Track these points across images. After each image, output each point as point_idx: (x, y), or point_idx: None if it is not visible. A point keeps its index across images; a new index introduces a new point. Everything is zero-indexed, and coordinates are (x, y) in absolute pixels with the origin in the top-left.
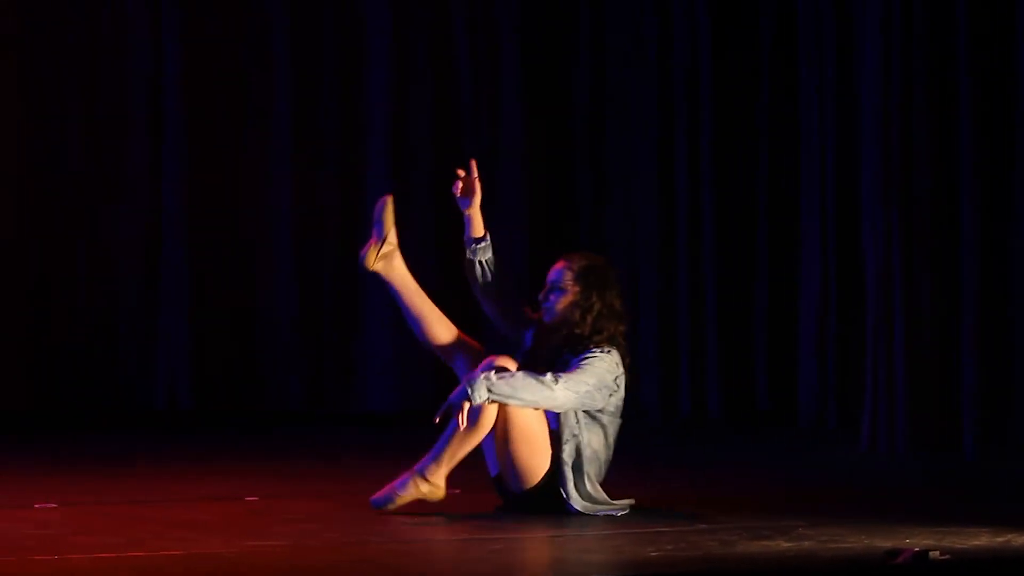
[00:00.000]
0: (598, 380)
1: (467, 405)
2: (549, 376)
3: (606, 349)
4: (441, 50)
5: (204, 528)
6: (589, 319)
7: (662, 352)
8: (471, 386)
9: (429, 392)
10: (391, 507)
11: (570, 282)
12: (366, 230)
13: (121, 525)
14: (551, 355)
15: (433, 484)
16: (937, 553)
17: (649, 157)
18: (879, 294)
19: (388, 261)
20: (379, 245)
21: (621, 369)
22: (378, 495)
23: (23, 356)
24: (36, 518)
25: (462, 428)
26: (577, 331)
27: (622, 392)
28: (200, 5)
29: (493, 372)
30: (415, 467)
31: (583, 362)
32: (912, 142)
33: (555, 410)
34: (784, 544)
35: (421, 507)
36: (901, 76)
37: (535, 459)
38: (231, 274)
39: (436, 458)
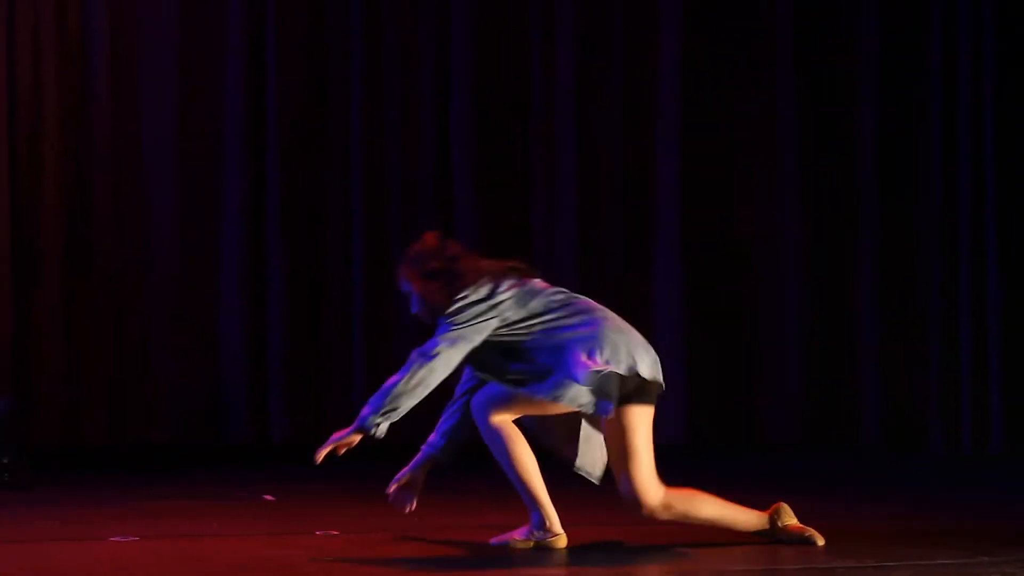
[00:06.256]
0: (464, 319)
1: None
2: (414, 356)
3: (466, 292)
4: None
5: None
6: (443, 296)
7: (944, 382)
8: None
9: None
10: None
11: (410, 283)
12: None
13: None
14: None
15: (548, 531)
16: None
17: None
18: None
19: None
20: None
21: (488, 289)
22: (498, 538)
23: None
24: (313, 544)
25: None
26: (447, 311)
27: (507, 307)
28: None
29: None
30: (531, 520)
31: (446, 319)
32: None
33: (450, 368)
34: None
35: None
36: None
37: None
38: None
39: (534, 508)
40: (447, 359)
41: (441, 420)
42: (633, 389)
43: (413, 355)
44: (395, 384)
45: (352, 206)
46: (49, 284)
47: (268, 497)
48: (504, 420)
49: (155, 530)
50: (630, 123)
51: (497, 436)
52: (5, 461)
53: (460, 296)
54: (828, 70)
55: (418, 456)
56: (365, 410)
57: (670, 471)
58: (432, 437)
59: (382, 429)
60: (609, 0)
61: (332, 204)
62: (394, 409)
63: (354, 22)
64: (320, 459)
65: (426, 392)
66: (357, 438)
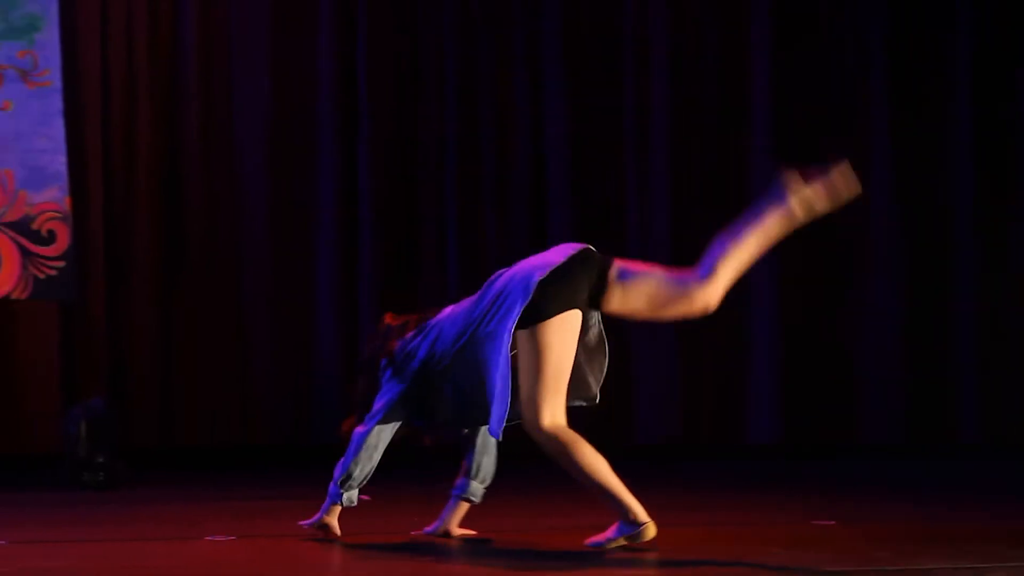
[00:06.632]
0: (388, 377)
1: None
2: (356, 431)
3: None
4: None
5: (575, 556)
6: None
7: None
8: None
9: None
10: (603, 548)
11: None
12: None
13: (495, 553)
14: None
15: (635, 523)
16: None
17: None
18: None
19: None
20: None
21: (400, 345)
22: (592, 540)
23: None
24: (409, 545)
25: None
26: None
27: (418, 343)
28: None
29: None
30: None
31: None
32: None
33: (394, 418)
34: None
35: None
36: None
37: None
38: None
39: (616, 506)
40: (387, 413)
41: (463, 461)
42: (587, 286)
43: (355, 431)
44: (348, 457)
45: (446, 209)
46: (143, 286)
47: (364, 497)
48: (557, 426)
49: (250, 529)
50: (724, 122)
51: (556, 444)
52: (100, 461)
53: (382, 369)
54: (922, 77)
55: (448, 503)
56: (331, 487)
57: (766, 472)
58: (458, 480)
59: (350, 497)
60: (702, 11)
61: (426, 207)
62: (349, 476)
63: (447, 25)
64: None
65: (382, 449)
66: (335, 516)
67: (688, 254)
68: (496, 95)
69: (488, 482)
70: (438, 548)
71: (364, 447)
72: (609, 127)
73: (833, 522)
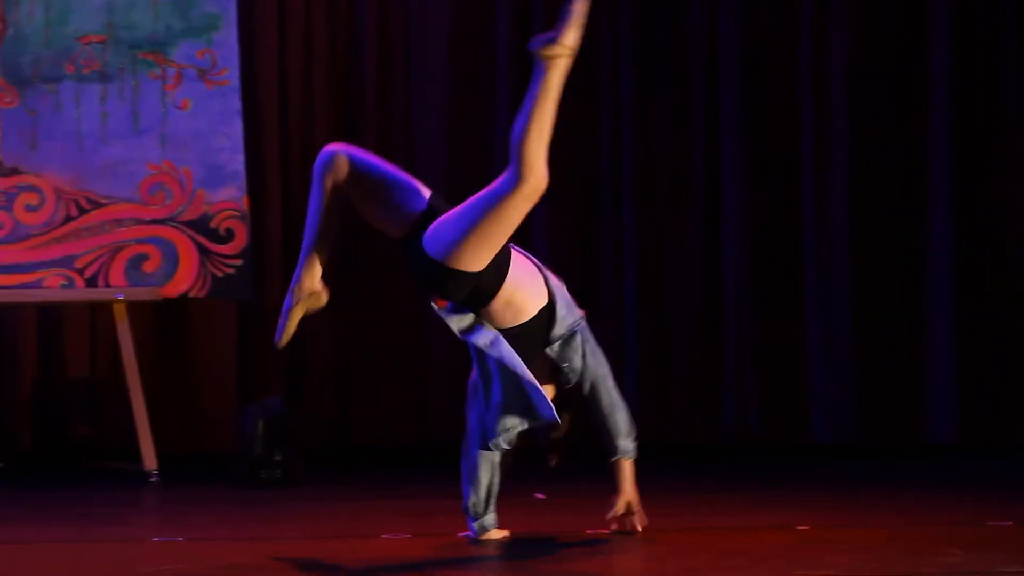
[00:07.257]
0: None
1: None
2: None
3: None
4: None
5: (754, 556)
6: None
7: None
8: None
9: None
10: None
11: None
12: None
13: (672, 552)
14: None
15: None
16: None
17: None
18: None
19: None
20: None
21: None
22: None
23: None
24: (580, 543)
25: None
26: None
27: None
28: None
29: None
30: None
31: None
32: None
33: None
34: None
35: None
36: None
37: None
38: None
39: None
40: (474, 431)
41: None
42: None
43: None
44: (463, 488)
45: (623, 211)
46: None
47: (539, 495)
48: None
49: (425, 528)
50: (902, 117)
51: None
52: (278, 459)
53: None
54: None
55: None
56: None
57: (942, 472)
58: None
59: (482, 525)
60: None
61: (604, 208)
62: (469, 506)
63: (624, 21)
64: None
65: (487, 468)
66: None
67: (867, 249)
68: (672, 95)
69: (634, 433)
70: (614, 546)
71: (469, 473)
72: (785, 121)
73: (1010, 523)
